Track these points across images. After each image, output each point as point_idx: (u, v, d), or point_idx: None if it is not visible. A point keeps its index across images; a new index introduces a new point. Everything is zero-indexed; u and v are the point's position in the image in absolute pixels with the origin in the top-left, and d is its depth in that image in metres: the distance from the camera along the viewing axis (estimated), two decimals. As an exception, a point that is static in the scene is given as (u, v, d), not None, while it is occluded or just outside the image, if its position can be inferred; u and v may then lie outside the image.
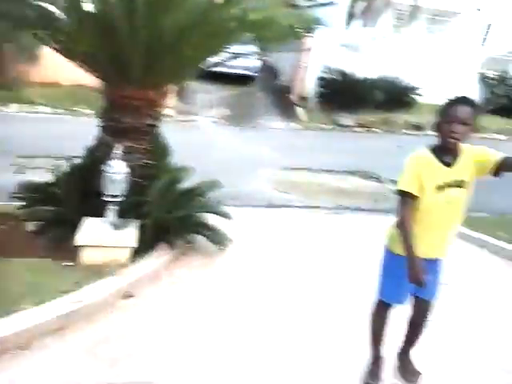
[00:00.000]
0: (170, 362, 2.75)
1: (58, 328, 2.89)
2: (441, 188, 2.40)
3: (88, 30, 3.73)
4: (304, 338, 3.12)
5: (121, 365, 2.68)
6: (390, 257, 2.63)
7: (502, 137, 13.71)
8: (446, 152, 2.43)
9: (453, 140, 2.34)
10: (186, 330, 3.10)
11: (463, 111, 2.32)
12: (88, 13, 3.73)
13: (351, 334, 3.21)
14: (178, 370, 2.69)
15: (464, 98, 2.38)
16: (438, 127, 2.41)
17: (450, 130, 2.32)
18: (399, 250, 2.52)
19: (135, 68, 3.79)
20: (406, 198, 2.42)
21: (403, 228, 2.42)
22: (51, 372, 2.58)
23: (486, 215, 6.10)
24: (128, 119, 3.98)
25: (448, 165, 2.41)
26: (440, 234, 2.51)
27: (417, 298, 2.68)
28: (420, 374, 2.76)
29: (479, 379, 2.92)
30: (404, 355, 2.83)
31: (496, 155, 2.41)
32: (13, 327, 2.71)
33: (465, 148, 2.44)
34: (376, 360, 2.78)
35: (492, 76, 15.39)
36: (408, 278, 2.39)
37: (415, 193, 2.40)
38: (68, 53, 4.12)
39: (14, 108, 10.92)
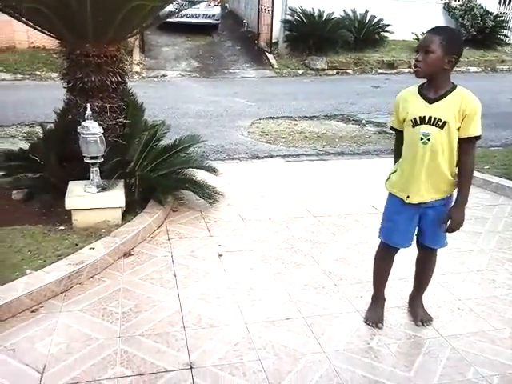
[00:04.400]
0: (177, 314, 2.74)
1: (63, 289, 2.90)
2: (416, 123, 2.32)
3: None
4: (307, 282, 3.11)
5: (130, 319, 2.69)
6: (388, 197, 2.60)
7: (475, 69, 13.72)
8: (429, 87, 2.33)
9: (415, 68, 2.27)
10: (187, 282, 3.07)
11: (425, 38, 2.25)
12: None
13: (355, 275, 3.21)
14: (188, 320, 2.66)
15: (436, 27, 2.30)
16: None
17: (415, 58, 2.29)
18: (396, 190, 2.51)
19: (86, 23, 3.62)
20: (395, 133, 2.57)
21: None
22: (64, 330, 2.59)
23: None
24: (92, 77, 3.84)
25: (428, 100, 2.31)
26: (422, 177, 2.38)
27: (419, 243, 2.65)
28: (431, 318, 2.77)
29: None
30: (414, 299, 2.84)
31: (467, 134, 2.28)
32: (18, 291, 2.71)
33: (459, 90, 2.29)
34: (377, 300, 2.81)
35: (456, 6, 15.16)
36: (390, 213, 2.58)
37: (395, 126, 2.52)
38: (14, 11, 3.85)
39: (-31, 77, 10.35)
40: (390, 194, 2.58)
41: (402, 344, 2.58)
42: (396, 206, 2.54)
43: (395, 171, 2.55)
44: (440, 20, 14.88)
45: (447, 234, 2.55)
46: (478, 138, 2.31)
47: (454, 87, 2.30)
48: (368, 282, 2.88)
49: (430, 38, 2.23)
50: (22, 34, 11.49)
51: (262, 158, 6.11)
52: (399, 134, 2.50)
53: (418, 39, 13.66)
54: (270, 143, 6.76)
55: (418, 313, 2.78)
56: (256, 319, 2.73)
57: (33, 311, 2.71)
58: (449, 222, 2.45)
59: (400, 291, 3.02)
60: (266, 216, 4.16)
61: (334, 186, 4.98)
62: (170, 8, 4.53)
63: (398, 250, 2.66)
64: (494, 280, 3.24)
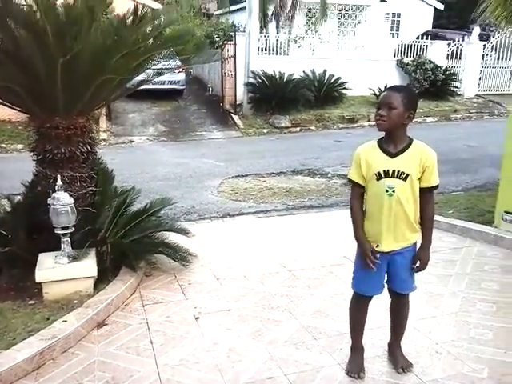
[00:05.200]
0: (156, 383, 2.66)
1: (35, 367, 2.78)
2: (380, 176, 2.45)
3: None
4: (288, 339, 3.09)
5: None
6: (357, 247, 2.67)
7: (431, 119, 14.42)
8: (388, 141, 2.48)
9: (378, 122, 2.42)
10: (165, 349, 2.99)
11: (387, 96, 2.42)
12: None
13: (333, 327, 3.21)
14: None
15: (395, 86, 2.52)
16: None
17: (376, 114, 2.43)
18: (371, 244, 2.58)
19: (55, 97, 3.71)
20: (354, 187, 2.61)
21: (351, 214, 2.62)
22: None
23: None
24: (62, 149, 3.88)
25: (390, 154, 2.46)
26: (390, 227, 2.49)
27: (389, 290, 2.71)
28: (411, 364, 2.78)
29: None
30: (393, 347, 2.85)
31: (429, 184, 2.46)
32: None
33: (416, 144, 2.47)
34: (356, 350, 2.82)
35: (408, 62, 16.14)
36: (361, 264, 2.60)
37: (358, 181, 2.56)
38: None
39: None
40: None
41: (385, 394, 2.57)
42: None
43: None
44: (394, 75, 15.77)
45: (417, 278, 2.63)
46: (437, 186, 2.49)
47: (411, 141, 2.48)
48: (346, 334, 2.89)
49: (392, 96, 2.40)
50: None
51: (233, 216, 6.16)
52: (358, 188, 2.58)
53: (375, 94, 14.40)
54: (239, 201, 6.85)
55: (398, 360, 2.79)
56: (237, 381, 2.68)
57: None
58: (417, 264, 2.58)
59: (379, 340, 3.04)
60: (241, 274, 4.16)
61: (306, 239, 5.05)
62: (138, 78, 4.63)
63: (371, 298, 2.71)
64: (467, 321, 3.30)
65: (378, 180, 2.47)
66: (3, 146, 10.90)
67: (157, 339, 3.13)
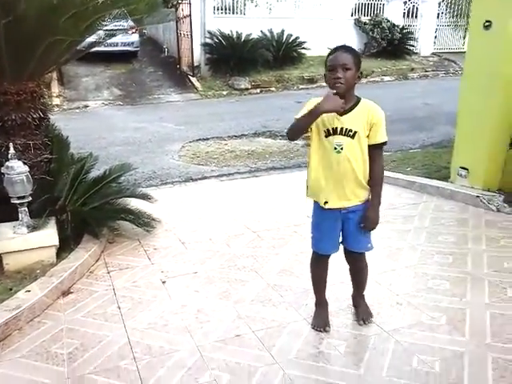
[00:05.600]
0: (126, 347, 2.68)
1: (1, 337, 2.74)
2: (329, 133, 2.48)
3: None
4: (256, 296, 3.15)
5: (77, 359, 2.59)
6: (312, 207, 2.71)
7: (388, 78, 14.58)
8: None
9: (337, 85, 2.40)
10: (133, 313, 3.00)
11: (341, 57, 2.41)
12: None
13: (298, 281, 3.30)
14: (137, 352, 2.60)
15: (342, 46, 2.50)
16: (325, 78, 2.50)
17: (332, 77, 2.41)
18: (315, 197, 2.64)
19: (2, 61, 3.54)
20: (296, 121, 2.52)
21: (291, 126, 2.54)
22: (6, 380, 2.46)
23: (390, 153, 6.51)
24: (12, 116, 3.73)
25: (339, 113, 2.46)
26: (338, 183, 2.52)
27: (345, 249, 2.77)
28: (370, 315, 2.89)
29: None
30: (355, 299, 2.96)
31: (376, 141, 2.48)
32: None
33: (364, 102, 2.49)
34: (320, 305, 2.91)
35: (365, 21, 16.11)
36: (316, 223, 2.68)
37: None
38: None
39: None
40: (313, 203, 2.70)
41: (349, 344, 2.68)
42: (319, 214, 2.67)
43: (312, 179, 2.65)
44: (352, 34, 15.74)
45: (377, 234, 2.70)
46: (384, 143, 2.53)
47: (358, 100, 2.51)
48: (311, 290, 2.96)
49: (346, 57, 2.40)
50: None
51: (196, 180, 6.13)
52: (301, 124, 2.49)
53: (332, 54, 14.33)
54: (202, 165, 6.80)
55: (358, 312, 2.91)
56: (207, 341, 2.73)
57: (-31, 366, 2.55)
58: (365, 223, 2.62)
59: (342, 294, 3.13)
60: (206, 237, 4.17)
61: (269, 201, 5.10)
62: (89, 40, 4.46)
63: (329, 256, 2.78)
64: (426, 273, 3.44)
65: (326, 137, 2.50)
66: None
67: (124, 304, 3.13)
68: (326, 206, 2.59)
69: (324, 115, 2.45)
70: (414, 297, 3.14)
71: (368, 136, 2.49)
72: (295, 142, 7.96)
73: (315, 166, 2.57)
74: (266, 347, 2.65)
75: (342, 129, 2.46)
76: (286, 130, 2.58)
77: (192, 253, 3.88)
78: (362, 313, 2.90)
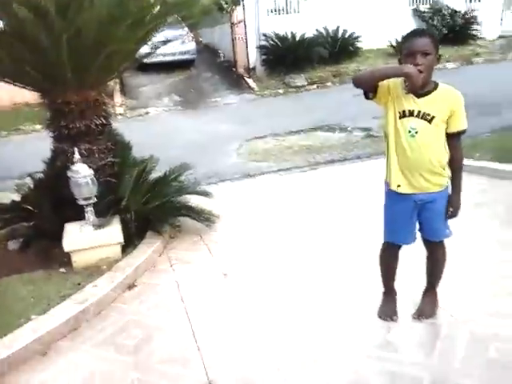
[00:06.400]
0: (189, 337, 2.72)
1: (71, 329, 2.87)
2: (404, 115, 2.34)
3: (5, 46, 3.57)
4: (316, 290, 3.08)
5: (142, 349, 2.66)
6: (386, 194, 2.58)
7: (452, 65, 13.93)
8: None
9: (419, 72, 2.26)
10: (196, 305, 3.05)
11: (421, 42, 2.27)
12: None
13: (362, 276, 3.18)
14: (201, 342, 2.64)
15: (419, 29, 2.40)
16: (399, 63, 2.35)
17: (413, 63, 2.25)
18: (392, 185, 2.48)
19: (64, 72, 3.68)
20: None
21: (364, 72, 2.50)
22: (77, 369, 2.56)
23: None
24: (77, 124, 3.90)
25: (416, 95, 2.33)
26: (411, 169, 2.39)
27: (423, 238, 2.63)
28: (430, 315, 2.71)
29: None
30: (426, 294, 2.79)
31: (457, 128, 2.36)
32: (26, 337, 2.69)
33: (443, 87, 2.36)
34: (389, 294, 2.80)
35: (424, 10, 15.52)
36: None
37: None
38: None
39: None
40: (388, 192, 2.55)
41: (420, 333, 2.55)
42: (393, 203, 2.54)
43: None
44: (411, 24, 15.11)
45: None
46: (464, 131, 2.39)
47: (436, 84, 2.36)
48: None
49: (424, 41, 2.27)
50: (4, 94, 11.64)
51: (254, 176, 6.11)
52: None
53: (392, 46, 13.95)
54: (260, 162, 6.78)
55: (419, 305, 2.75)
56: (280, 337, 2.69)
57: (43, 355, 2.67)
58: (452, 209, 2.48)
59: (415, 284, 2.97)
60: (268, 231, 4.14)
61: (330, 192, 4.99)
62: (145, 49, 4.59)
63: (401, 247, 2.65)
64: (503, 260, 3.23)
65: (400, 118, 2.36)
66: (22, 128, 11.02)
67: (187, 297, 3.17)
68: (400, 191, 2.45)
69: (402, 95, 2.33)
70: (491, 284, 2.95)
71: (447, 122, 2.34)
72: (354, 134, 7.78)
73: (391, 152, 2.44)
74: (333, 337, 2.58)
75: (419, 112, 2.33)
76: (353, 76, 2.49)
77: (253, 246, 3.86)
78: (421, 307, 2.74)
